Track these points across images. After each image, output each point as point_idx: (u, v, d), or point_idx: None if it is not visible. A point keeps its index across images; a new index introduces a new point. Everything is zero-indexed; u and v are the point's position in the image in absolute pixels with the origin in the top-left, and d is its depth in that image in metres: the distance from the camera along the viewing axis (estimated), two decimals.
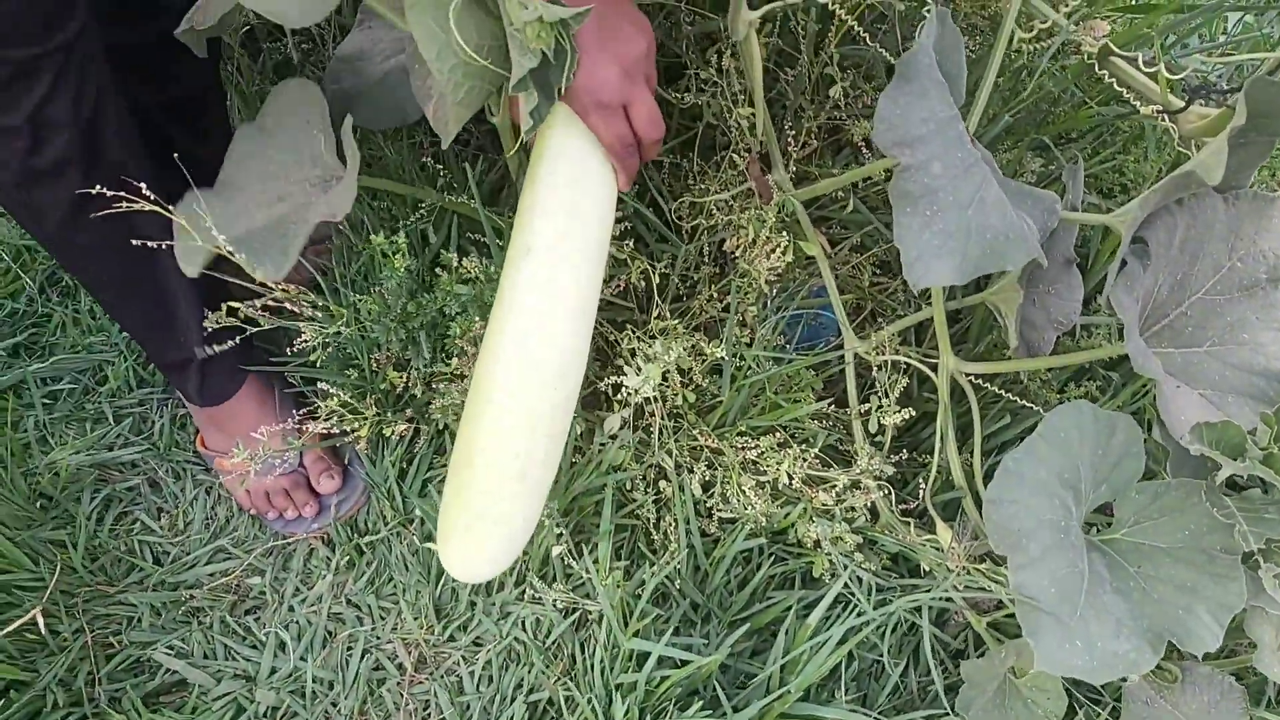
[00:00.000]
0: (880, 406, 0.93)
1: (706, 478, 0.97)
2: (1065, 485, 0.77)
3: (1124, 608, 0.76)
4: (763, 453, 0.95)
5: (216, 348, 0.92)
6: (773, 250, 0.92)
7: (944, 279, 0.68)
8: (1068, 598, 0.74)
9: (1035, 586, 0.74)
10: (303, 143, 0.88)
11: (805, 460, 0.93)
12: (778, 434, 0.98)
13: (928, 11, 0.69)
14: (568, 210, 0.74)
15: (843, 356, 0.99)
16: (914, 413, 0.95)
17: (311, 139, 0.88)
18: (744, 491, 0.93)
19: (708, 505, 0.98)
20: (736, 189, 0.96)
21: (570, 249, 0.74)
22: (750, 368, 0.97)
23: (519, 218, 0.76)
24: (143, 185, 0.76)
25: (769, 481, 0.94)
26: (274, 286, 0.86)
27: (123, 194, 0.76)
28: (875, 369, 0.96)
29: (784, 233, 0.92)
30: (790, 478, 0.93)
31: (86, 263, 0.89)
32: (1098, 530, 0.81)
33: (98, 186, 0.76)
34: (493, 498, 0.73)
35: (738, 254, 0.96)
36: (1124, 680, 0.88)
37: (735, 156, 0.94)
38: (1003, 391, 0.94)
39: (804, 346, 1.09)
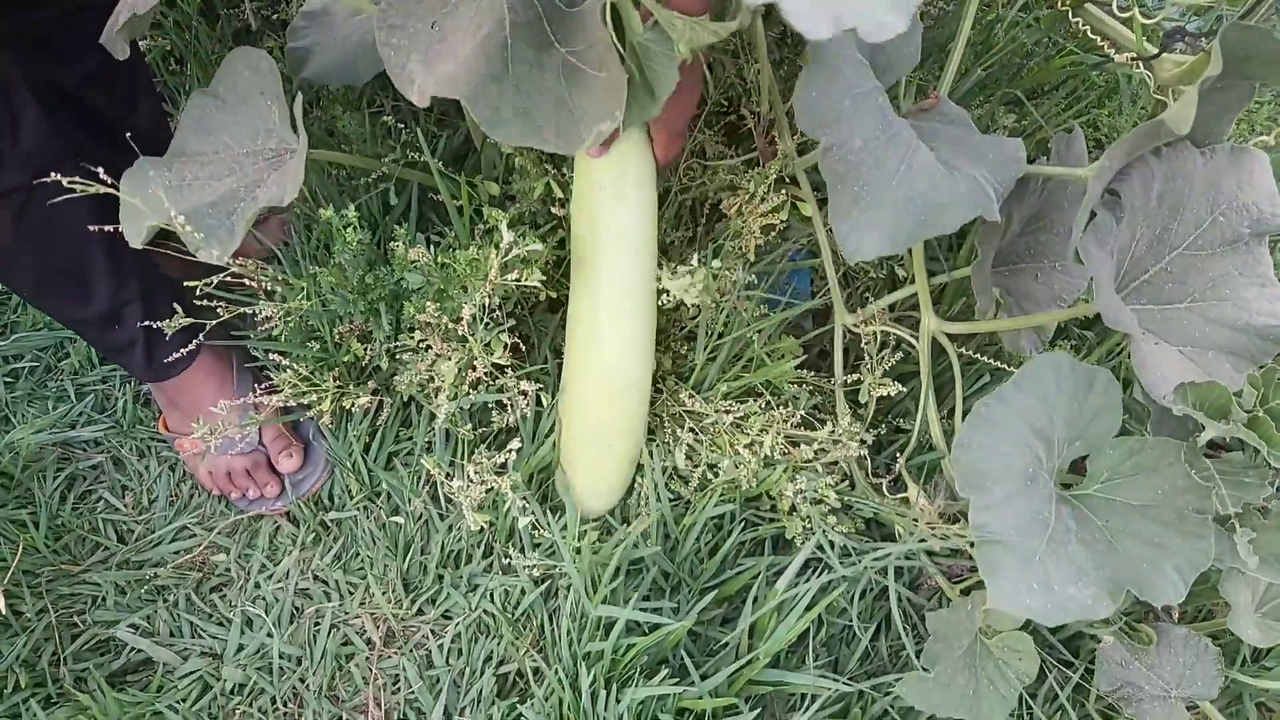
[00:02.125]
0: (870, 379, 0.92)
1: (690, 441, 0.95)
2: (1038, 435, 0.75)
3: (1087, 558, 0.74)
4: (745, 417, 0.93)
5: (158, 324, 0.89)
6: (769, 211, 0.90)
7: (877, 250, 0.68)
8: (1028, 540, 0.73)
9: (995, 526, 0.72)
10: (256, 113, 0.85)
11: (788, 421, 0.92)
12: (758, 399, 0.96)
13: None
14: None
15: (817, 321, 0.97)
16: (902, 388, 0.93)
17: (265, 109, 0.85)
18: (734, 450, 0.92)
19: (680, 473, 0.97)
20: (748, 154, 0.95)
21: None
22: (727, 323, 0.95)
23: None
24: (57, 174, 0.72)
25: (747, 444, 0.93)
26: (228, 264, 0.83)
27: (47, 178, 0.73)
28: (864, 341, 0.94)
29: (783, 191, 0.90)
30: (766, 433, 0.91)
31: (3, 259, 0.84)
32: (1076, 485, 0.79)
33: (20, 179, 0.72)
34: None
35: (730, 213, 0.94)
36: (1098, 642, 0.87)
37: (746, 116, 0.93)
38: (977, 355, 0.92)
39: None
